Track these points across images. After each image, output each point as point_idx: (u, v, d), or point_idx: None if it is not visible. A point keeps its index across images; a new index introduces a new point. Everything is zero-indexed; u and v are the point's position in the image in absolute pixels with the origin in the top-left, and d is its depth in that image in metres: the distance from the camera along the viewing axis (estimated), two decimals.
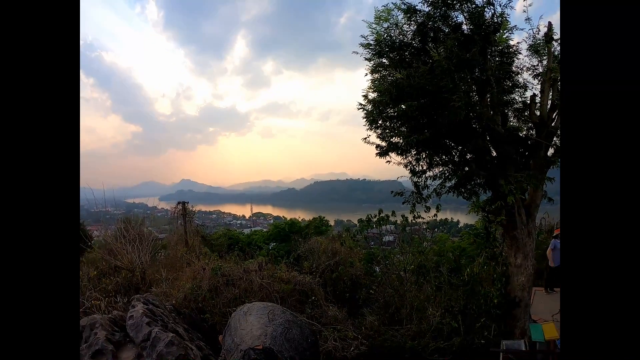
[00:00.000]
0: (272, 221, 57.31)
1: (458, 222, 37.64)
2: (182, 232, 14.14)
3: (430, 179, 7.23)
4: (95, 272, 8.85)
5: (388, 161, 7.07)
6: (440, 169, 7.07)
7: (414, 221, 8.42)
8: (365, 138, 7.10)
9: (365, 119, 6.89)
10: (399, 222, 9.11)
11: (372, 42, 6.63)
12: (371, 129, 6.96)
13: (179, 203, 15.94)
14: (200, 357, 5.60)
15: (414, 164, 7.13)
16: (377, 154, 7.07)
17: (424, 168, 7.12)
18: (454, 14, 6.14)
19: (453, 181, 6.95)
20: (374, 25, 6.53)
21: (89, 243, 12.76)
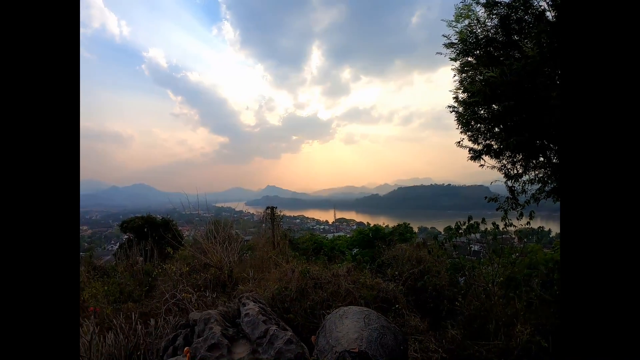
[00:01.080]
0: (354, 227, 57.34)
1: (549, 231, 34.80)
2: (269, 235, 14.65)
3: (527, 183, 6.69)
4: (187, 268, 9.39)
5: (481, 165, 6.69)
6: (537, 172, 6.50)
7: (504, 229, 7.89)
8: (459, 142, 6.77)
9: (457, 121, 6.57)
10: (488, 229, 8.59)
11: (455, 41, 6.30)
12: (464, 132, 6.63)
13: (267, 208, 16.61)
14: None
15: (508, 167, 6.67)
16: (469, 157, 6.73)
17: (520, 171, 6.61)
18: (536, 1, 5.65)
19: (552, 185, 6.39)
20: (454, 23, 6.21)
21: (182, 241, 13.73)
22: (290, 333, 5.78)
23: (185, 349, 5.03)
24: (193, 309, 7.08)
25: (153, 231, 14.83)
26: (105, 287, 8.70)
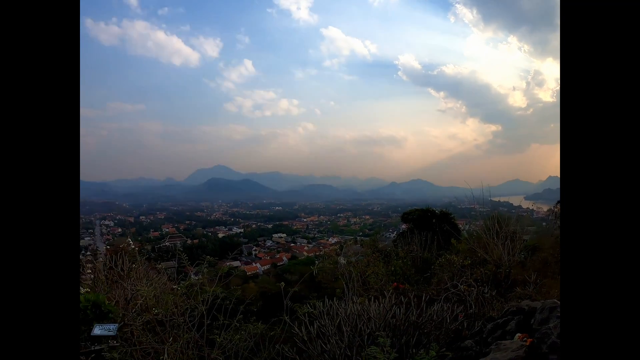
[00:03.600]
0: None
1: None
2: (557, 235, 13.43)
3: None
4: (469, 261, 9.50)
5: None
6: None
7: None
8: None
9: None
10: None
11: None
12: None
13: (557, 203, 15.23)
14: None
15: None
16: None
17: None
18: None
19: None
20: None
21: (459, 234, 13.93)
22: None
23: (520, 335, 5.04)
24: (472, 302, 7.14)
25: (431, 222, 15.64)
26: (390, 267, 9.74)
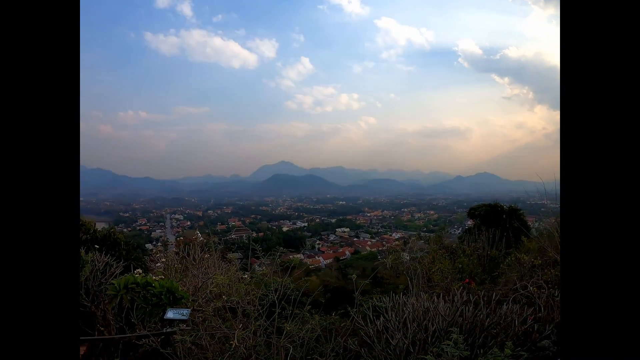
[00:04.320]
0: None
1: None
2: None
3: None
4: (540, 261, 9.13)
5: None
6: None
7: None
8: None
9: None
10: None
11: None
12: None
13: None
14: None
15: None
16: None
17: None
18: None
19: None
20: None
21: (529, 232, 13.27)
22: None
23: None
24: (542, 305, 6.85)
25: (500, 218, 15.06)
26: (456, 265, 9.55)
